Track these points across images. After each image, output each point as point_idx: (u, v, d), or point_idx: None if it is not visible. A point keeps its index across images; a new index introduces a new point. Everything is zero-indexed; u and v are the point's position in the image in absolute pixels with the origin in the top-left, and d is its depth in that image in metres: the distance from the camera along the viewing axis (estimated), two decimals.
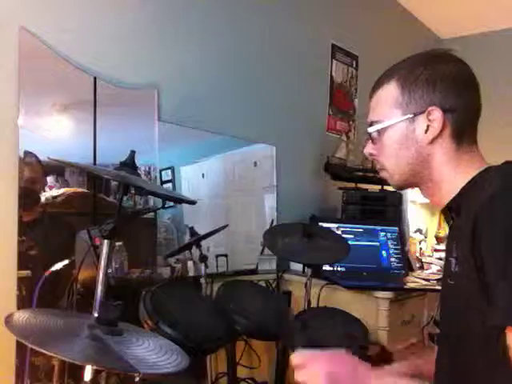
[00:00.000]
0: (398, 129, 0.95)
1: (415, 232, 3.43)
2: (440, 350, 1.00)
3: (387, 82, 0.97)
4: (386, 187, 2.81)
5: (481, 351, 0.84)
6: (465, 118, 0.94)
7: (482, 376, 0.84)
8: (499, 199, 0.80)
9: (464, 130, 0.94)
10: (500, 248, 0.76)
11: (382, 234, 2.56)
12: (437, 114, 0.92)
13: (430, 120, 0.92)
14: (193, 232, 1.96)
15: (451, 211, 0.95)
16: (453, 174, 0.94)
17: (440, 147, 0.94)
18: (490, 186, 0.84)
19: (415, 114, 0.93)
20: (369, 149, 1.02)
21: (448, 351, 0.96)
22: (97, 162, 1.78)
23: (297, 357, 0.95)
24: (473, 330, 0.85)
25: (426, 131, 0.93)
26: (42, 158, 1.63)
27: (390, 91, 0.96)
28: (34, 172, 1.64)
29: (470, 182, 0.91)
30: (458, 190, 0.93)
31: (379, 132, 0.97)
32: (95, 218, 1.77)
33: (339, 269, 2.37)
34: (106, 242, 1.11)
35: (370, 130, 0.99)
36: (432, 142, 0.93)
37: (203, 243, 1.96)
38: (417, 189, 1.02)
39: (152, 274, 1.96)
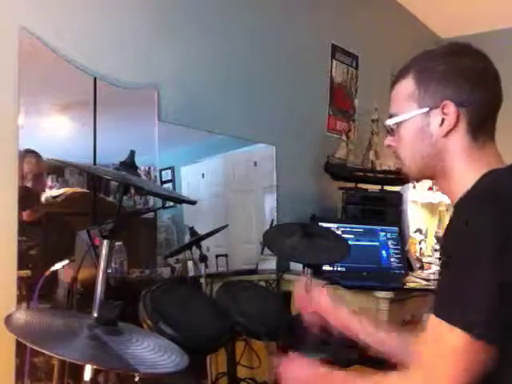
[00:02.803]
0: (414, 122, 0.96)
1: (415, 232, 3.43)
2: None
3: (405, 76, 0.98)
4: (386, 187, 2.81)
5: None
6: (481, 112, 0.94)
7: None
8: (467, 203, 0.84)
9: (480, 124, 0.94)
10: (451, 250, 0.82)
11: (382, 234, 2.56)
12: (451, 108, 0.92)
13: (444, 113, 0.93)
14: (193, 232, 1.96)
15: None
16: (464, 170, 0.94)
17: (454, 141, 0.94)
18: (476, 189, 0.87)
19: (430, 108, 0.94)
20: (388, 141, 1.04)
21: None
22: (97, 162, 1.78)
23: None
24: None
25: (441, 125, 0.93)
26: (42, 158, 1.63)
27: (407, 85, 0.97)
28: (36, 169, 1.64)
29: (477, 182, 0.90)
30: (468, 187, 0.91)
31: (397, 125, 0.99)
32: (95, 218, 1.77)
33: (339, 269, 2.37)
34: (105, 242, 1.11)
35: (388, 122, 1.01)
36: (446, 135, 0.94)
37: (203, 243, 1.95)
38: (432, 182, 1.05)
39: (152, 274, 1.96)
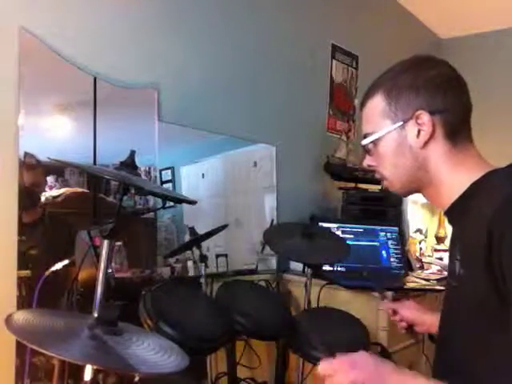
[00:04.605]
0: (391, 138, 0.96)
1: (415, 232, 3.42)
2: (439, 350, 1.00)
3: (373, 95, 0.98)
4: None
5: (484, 352, 0.84)
6: (455, 117, 0.94)
7: (483, 375, 0.84)
8: None
9: (456, 129, 0.94)
10: None
11: (382, 234, 2.56)
12: (425, 117, 0.92)
13: (419, 124, 0.93)
14: (193, 232, 1.96)
15: (455, 213, 0.95)
16: (451, 175, 0.94)
17: (434, 149, 0.94)
18: (502, 191, 0.84)
19: (404, 121, 0.94)
20: (367, 161, 1.04)
21: (448, 352, 0.95)
22: (97, 162, 1.77)
23: (323, 366, 0.91)
24: (478, 331, 0.85)
25: (418, 136, 0.93)
26: (42, 158, 1.63)
27: (377, 102, 0.97)
28: (35, 174, 1.64)
29: (474, 185, 0.90)
30: (460, 191, 0.92)
31: (374, 143, 0.99)
32: (95, 218, 1.77)
33: (339, 269, 2.37)
34: (105, 242, 1.11)
35: (364, 142, 1.00)
36: (425, 145, 0.93)
37: (203, 243, 1.96)
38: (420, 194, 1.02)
39: (152, 273, 1.96)
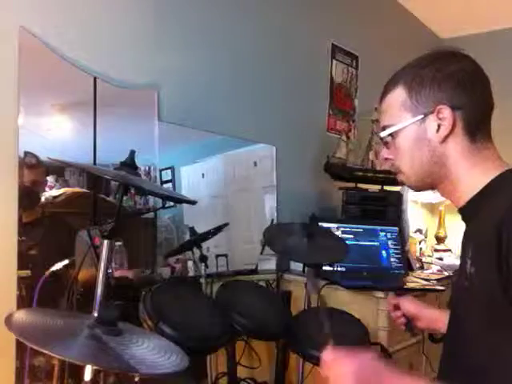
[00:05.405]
0: (410, 131, 0.95)
1: (415, 232, 3.42)
2: (447, 349, 1.00)
3: (394, 87, 0.97)
4: (386, 187, 2.81)
5: (495, 352, 0.84)
6: (475, 113, 0.93)
7: (494, 376, 0.84)
8: None
9: (476, 126, 0.93)
10: None
11: (382, 233, 2.56)
12: (446, 112, 0.91)
13: (440, 118, 0.92)
14: (193, 232, 1.96)
15: (470, 211, 0.94)
16: (469, 172, 0.93)
17: (453, 145, 0.93)
18: None
19: (425, 115, 0.93)
20: (384, 153, 1.02)
21: (456, 351, 0.95)
22: (97, 162, 1.77)
23: (327, 353, 0.95)
24: (488, 330, 0.85)
25: (438, 130, 0.92)
26: (42, 158, 1.63)
27: (398, 95, 0.96)
28: (35, 173, 1.64)
29: (492, 183, 0.90)
30: (477, 189, 0.91)
31: (392, 136, 0.98)
32: (95, 218, 1.77)
33: (339, 269, 2.37)
34: (105, 242, 1.11)
35: (383, 134, 0.99)
36: (444, 140, 0.93)
37: (203, 243, 1.96)
38: (435, 190, 1.02)
39: (152, 273, 1.96)
